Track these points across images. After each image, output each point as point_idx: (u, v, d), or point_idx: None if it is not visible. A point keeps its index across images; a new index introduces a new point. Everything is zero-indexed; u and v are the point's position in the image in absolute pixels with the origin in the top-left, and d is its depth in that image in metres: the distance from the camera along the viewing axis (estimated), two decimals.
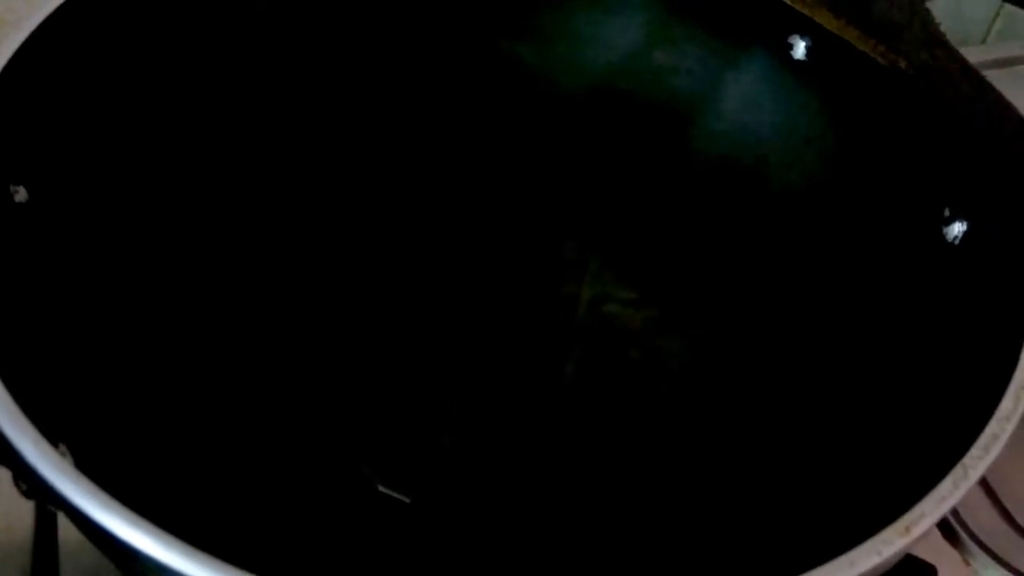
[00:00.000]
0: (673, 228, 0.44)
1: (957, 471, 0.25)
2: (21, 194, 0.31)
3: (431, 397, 0.39)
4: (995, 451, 0.25)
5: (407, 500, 0.35)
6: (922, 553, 0.37)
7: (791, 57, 0.42)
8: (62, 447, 0.24)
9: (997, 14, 0.68)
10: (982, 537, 0.39)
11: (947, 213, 0.35)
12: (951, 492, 0.25)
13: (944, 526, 0.40)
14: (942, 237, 0.35)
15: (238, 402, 0.35)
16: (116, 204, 0.34)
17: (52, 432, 0.24)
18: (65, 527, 0.37)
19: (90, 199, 0.33)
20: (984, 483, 0.41)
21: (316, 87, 0.42)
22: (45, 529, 0.37)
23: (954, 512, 0.41)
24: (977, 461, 0.25)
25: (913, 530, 0.24)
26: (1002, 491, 0.41)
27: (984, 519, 0.40)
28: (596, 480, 0.37)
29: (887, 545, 0.23)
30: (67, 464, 0.23)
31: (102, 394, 0.30)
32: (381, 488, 0.35)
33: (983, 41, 0.68)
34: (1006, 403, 0.26)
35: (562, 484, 0.36)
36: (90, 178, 0.33)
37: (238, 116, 0.39)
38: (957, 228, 0.35)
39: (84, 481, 0.23)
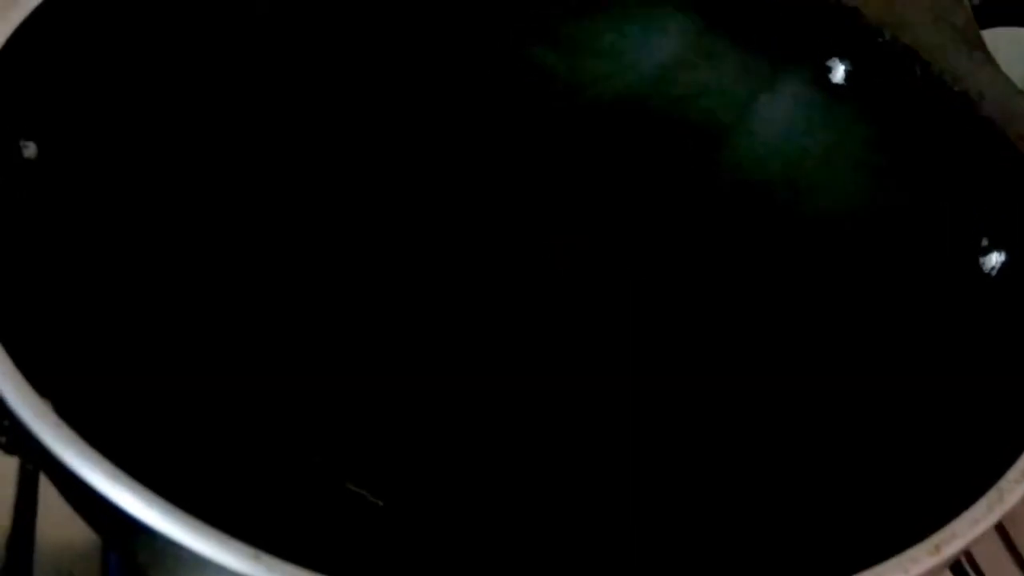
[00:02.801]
0: (700, 250, 0.43)
1: (992, 494, 0.24)
2: (31, 149, 0.31)
3: (417, 403, 0.37)
4: None
5: (380, 503, 0.34)
6: None
7: (829, 80, 0.41)
8: None
9: None
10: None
11: (985, 243, 0.34)
12: (985, 515, 0.23)
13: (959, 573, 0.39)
14: (979, 267, 0.34)
15: (220, 378, 0.34)
16: (120, 164, 0.33)
17: (39, 381, 0.23)
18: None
19: (96, 157, 0.32)
20: (1002, 530, 0.40)
21: (337, 81, 0.41)
22: (24, 514, 0.36)
23: (971, 561, 0.39)
24: (1013, 485, 0.24)
25: (943, 550, 0.22)
26: (1020, 540, 0.39)
27: (1001, 568, 0.39)
28: (587, 488, 0.35)
29: (915, 563, 0.22)
30: (49, 411, 0.22)
31: (95, 352, 0.29)
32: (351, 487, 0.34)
33: None
34: None
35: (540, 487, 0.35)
36: (97, 137, 0.33)
37: (246, 89, 0.38)
38: (995, 258, 0.34)
39: (65, 429, 0.22)
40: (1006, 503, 0.24)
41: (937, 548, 0.22)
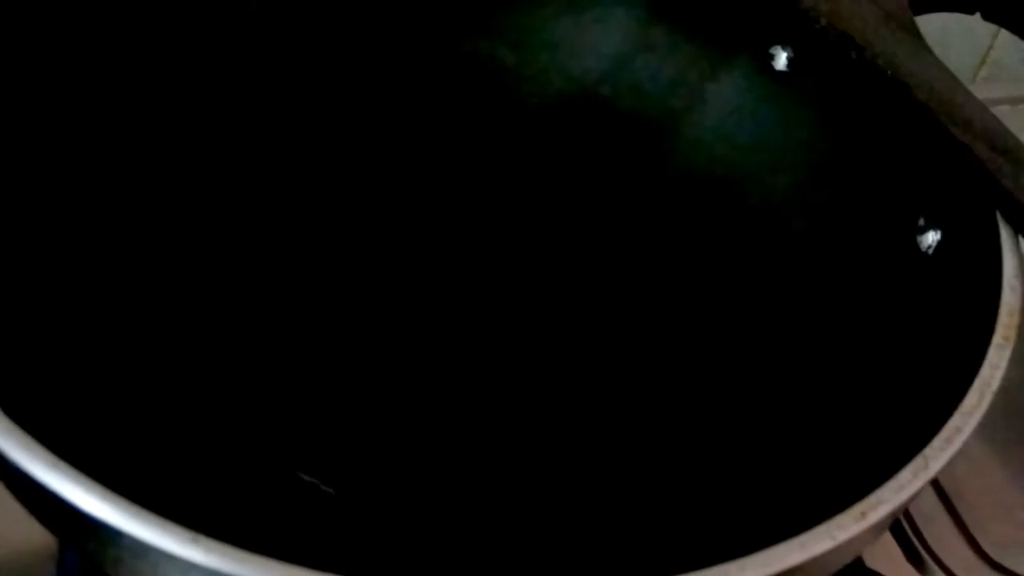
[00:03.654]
0: (648, 238, 0.44)
1: (918, 461, 0.24)
2: None
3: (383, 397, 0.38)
4: (956, 444, 0.25)
5: (331, 491, 0.34)
6: (884, 570, 0.36)
7: (772, 68, 0.42)
8: None
9: (983, 61, 0.69)
10: (943, 558, 0.38)
11: (922, 222, 0.35)
12: (910, 481, 0.24)
13: (907, 546, 0.39)
14: (916, 245, 0.35)
15: (168, 366, 0.34)
16: (102, 154, 0.34)
17: None
18: None
19: (74, 147, 0.33)
20: (948, 503, 0.40)
21: (291, 75, 0.42)
22: None
23: (917, 532, 0.40)
24: (938, 452, 0.25)
25: (869, 516, 0.23)
26: (966, 514, 0.40)
27: (947, 540, 0.39)
28: (545, 479, 0.36)
29: (841, 530, 0.22)
30: None
31: (35, 342, 0.29)
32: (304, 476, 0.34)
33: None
34: (970, 399, 0.26)
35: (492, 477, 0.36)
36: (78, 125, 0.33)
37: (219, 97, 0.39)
38: (931, 237, 0.35)
39: (5, 422, 0.22)
40: (930, 470, 0.24)
41: (863, 515, 0.23)
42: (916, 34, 0.38)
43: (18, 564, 0.36)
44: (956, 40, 0.64)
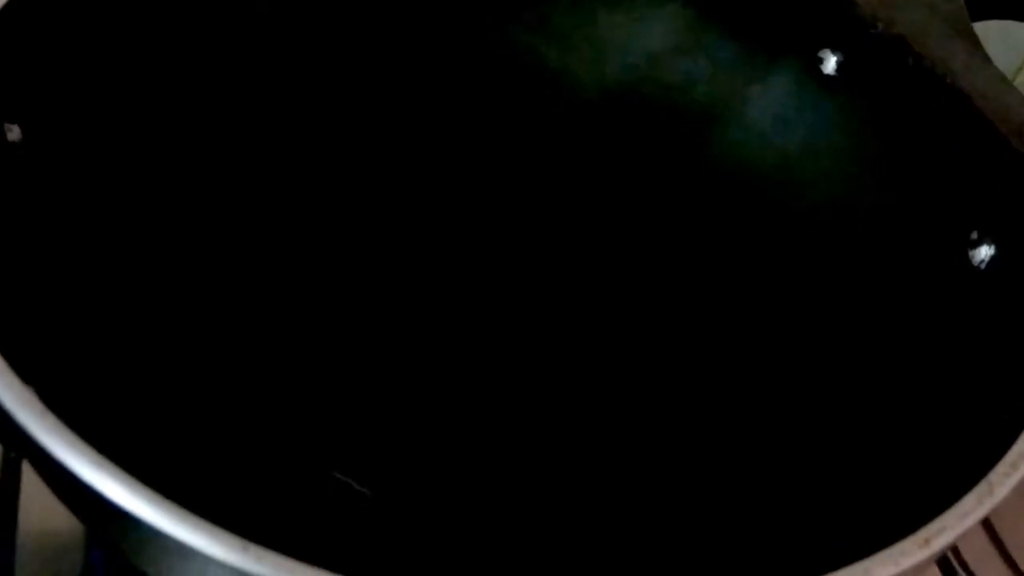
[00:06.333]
0: (690, 241, 0.43)
1: (982, 487, 0.24)
2: (15, 133, 0.30)
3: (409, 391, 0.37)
4: (1022, 470, 0.24)
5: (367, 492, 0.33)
6: None
7: (821, 72, 0.41)
8: None
9: (1022, 65, 0.68)
10: None
11: (975, 236, 0.34)
12: (975, 507, 0.23)
13: (944, 565, 0.39)
14: (968, 260, 0.34)
15: (206, 365, 0.33)
16: (107, 149, 0.33)
17: (23, 366, 0.23)
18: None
19: (82, 141, 0.32)
20: (991, 531, 0.40)
21: (323, 72, 0.41)
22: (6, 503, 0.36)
23: (955, 551, 0.39)
24: (1003, 478, 0.24)
25: (933, 543, 0.22)
26: (1004, 533, 0.40)
27: (985, 559, 0.39)
28: (574, 481, 0.35)
29: (905, 556, 0.22)
30: (34, 399, 0.22)
31: (78, 339, 0.28)
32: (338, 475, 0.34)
33: None
34: None
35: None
36: (84, 121, 0.32)
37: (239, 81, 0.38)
38: (984, 251, 0.34)
39: (51, 418, 0.21)
40: (996, 496, 0.24)
41: (927, 541, 0.22)
42: (975, 41, 0.37)
43: (47, 549, 0.36)
44: (993, 43, 0.64)
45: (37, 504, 0.36)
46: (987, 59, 0.37)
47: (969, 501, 0.23)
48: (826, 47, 0.41)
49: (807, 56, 0.41)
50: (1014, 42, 0.66)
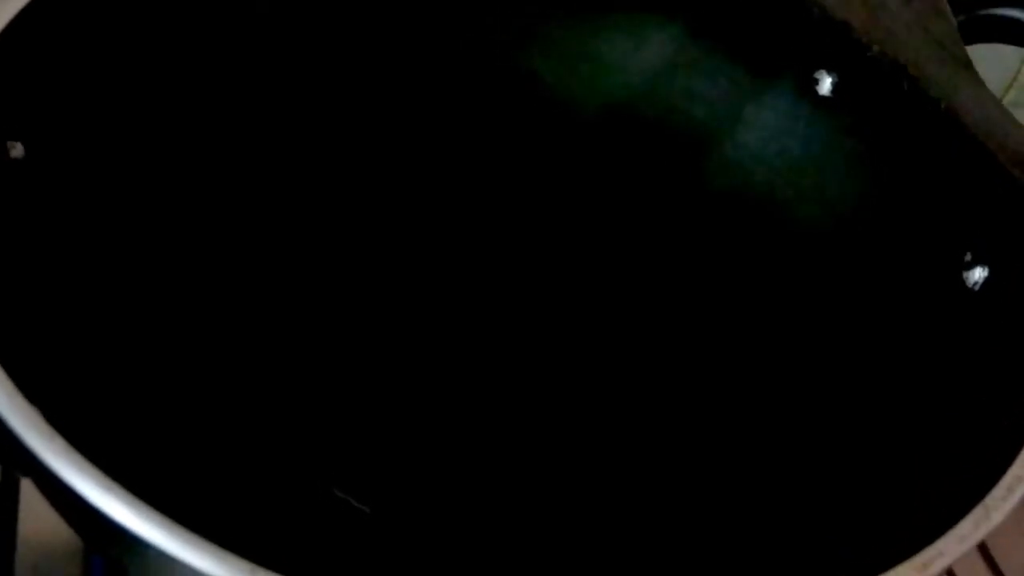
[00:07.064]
0: (686, 260, 0.43)
1: (978, 511, 0.24)
2: (18, 150, 0.31)
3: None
4: (1019, 493, 0.24)
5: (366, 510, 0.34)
6: None
7: (816, 93, 0.41)
8: None
9: (1010, 85, 0.69)
10: None
11: (968, 258, 0.35)
12: (971, 532, 0.23)
13: None
14: (962, 282, 0.35)
15: (209, 385, 0.33)
16: (110, 165, 0.33)
17: (29, 387, 0.23)
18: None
19: (86, 158, 0.32)
20: (987, 555, 0.40)
21: (322, 85, 0.41)
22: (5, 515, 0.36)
23: None
24: (999, 502, 0.24)
25: (930, 568, 0.22)
26: (1004, 564, 0.40)
27: (969, 564, 0.39)
28: (577, 494, 0.35)
29: None
30: (40, 420, 0.22)
31: (85, 360, 0.28)
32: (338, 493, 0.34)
33: None
34: None
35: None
36: (87, 137, 0.32)
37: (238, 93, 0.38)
38: (978, 273, 0.34)
39: (59, 440, 0.22)
40: (992, 520, 0.24)
41: (924, 566, 0.22)
42: (968, 65, 0.38)
43: (46, 558, 0.36)
44: (984, 63, 0.64)
45: (36, 512, 0.36)
46: (980, 82, 0.37)
47: (966, 525, 0.24)
48: (822, 68, 0.41)
49: (803, 77, 0.41)
50: (1003, 61, 0.67)
